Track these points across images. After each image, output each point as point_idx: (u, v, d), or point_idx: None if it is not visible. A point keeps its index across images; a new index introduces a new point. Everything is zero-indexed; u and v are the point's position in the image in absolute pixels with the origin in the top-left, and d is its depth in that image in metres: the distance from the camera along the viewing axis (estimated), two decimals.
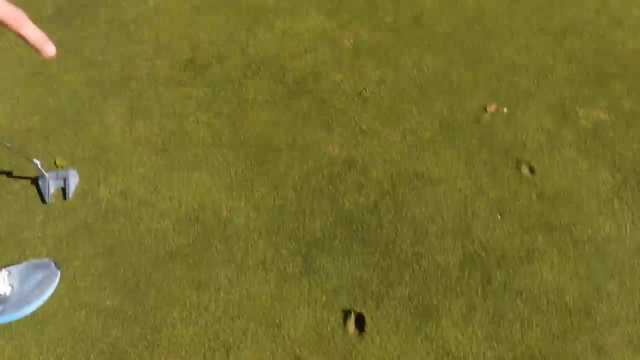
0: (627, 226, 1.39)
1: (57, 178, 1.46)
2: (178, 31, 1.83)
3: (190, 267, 1.33)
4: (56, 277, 1.29)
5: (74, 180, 1.46)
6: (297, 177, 1.48)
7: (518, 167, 1.50)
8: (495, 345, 1.23)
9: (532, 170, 1.49)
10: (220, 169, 1.50)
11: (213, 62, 1.73)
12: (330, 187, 1.46)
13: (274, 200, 1.44)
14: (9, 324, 1.26)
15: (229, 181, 1.47)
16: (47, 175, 1.44)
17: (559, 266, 1.33)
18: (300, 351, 1.22)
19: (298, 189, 1.46)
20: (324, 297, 1.29)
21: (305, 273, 1.32)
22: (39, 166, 1.40)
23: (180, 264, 1.34)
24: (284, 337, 1.24)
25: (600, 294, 1.29)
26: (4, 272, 1.25)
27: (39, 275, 1.28)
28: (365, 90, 1.65)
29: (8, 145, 1.33)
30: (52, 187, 1.45)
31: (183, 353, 1.22)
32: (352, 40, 1.78)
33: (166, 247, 1.36)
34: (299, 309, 1.27)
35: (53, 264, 1.30)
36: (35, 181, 1.47)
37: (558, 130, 1.57)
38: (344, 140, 1.55)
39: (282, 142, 1.55)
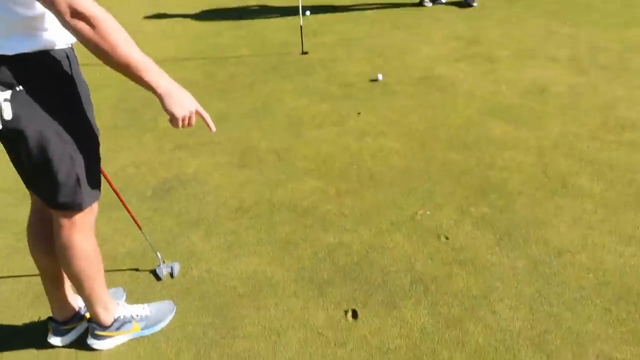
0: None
1: (167, 266, 2.44)
2: (229, 194, 2.98)
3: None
4: (174, 309, 2.19)
5: (177, 268, 2.44)
6: None
7: (438, 237, 2.53)
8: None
9: (447, 238, 2.52)
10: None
11: (251, 206, 2.86)
12: None
13: None
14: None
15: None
16: (162, 265, 2.43)
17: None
18: None
19: None
20: None
21: None
22: (159, 256, 2.41)
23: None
24: None
25: None
26: (146, 304, 2.15)
27: (165, 307, 2.18)
28: (344, 211, 2.77)
29: (147, 239, 2.36)
30: (164, 271, 2.42)
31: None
32: (335, 190, 2.94)
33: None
34: None
35: (172, 303, 2.21)
36: (153, 271, 2.44)
37: (460, 219, 2.64)
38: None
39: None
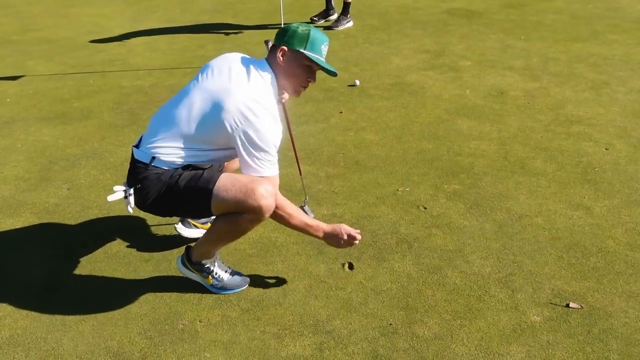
0: None
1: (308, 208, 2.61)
2: None
3: None
4: (244, 285, 2.40)
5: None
6: None
7: (418, 207, 2.93)
8: None
9: (425, 207, 2.92)
10: None
11: None
12: None
13: None
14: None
15: None
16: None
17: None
18: None
19: None
20: None
21: None
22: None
23: None
24: None
25: None
26: (230, 269, 2.40)
27: (239, 280, 2.40)
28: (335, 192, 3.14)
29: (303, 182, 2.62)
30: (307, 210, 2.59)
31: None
32: (324, 173, 3.32)
33: None
34: None
35: (247, 280, 2.42)
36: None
37: (435, 193, 3.06)
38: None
39: None
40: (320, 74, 2.26)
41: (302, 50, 2.15)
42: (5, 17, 7.43)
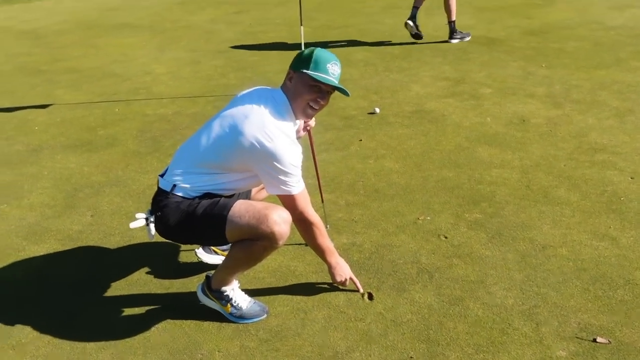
0: None
1: None
2: None
3: None
4: (264, 315, 2.40)
5: None
6: None
7: (439, 237, 2.90)
8: None
9: (446, 237, 2.89)
10: None
11: None
12: None
13: None
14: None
15: None
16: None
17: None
18: None
19: None
20: None
21: None
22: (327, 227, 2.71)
23: None
24: None
25: None
26: (249, 299, 2.41)
27: (258, 309, 2.40)
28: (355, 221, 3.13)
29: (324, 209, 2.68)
30: None
31: None
32: (344, 202, 3.31)
33: None
34: None
35: (266, 309, 2.42)
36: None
37: (456, 222, 3.02)
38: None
39: None
40: (337, 98, 2.27)
41: (305, 70, 2.19)
42: (37, 47, 7.68)
